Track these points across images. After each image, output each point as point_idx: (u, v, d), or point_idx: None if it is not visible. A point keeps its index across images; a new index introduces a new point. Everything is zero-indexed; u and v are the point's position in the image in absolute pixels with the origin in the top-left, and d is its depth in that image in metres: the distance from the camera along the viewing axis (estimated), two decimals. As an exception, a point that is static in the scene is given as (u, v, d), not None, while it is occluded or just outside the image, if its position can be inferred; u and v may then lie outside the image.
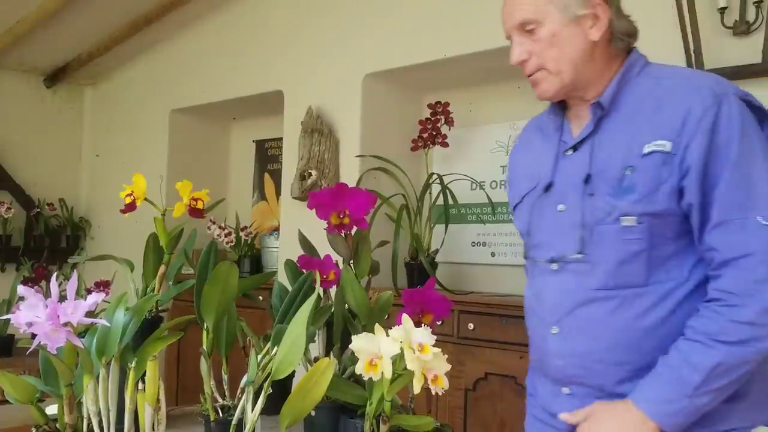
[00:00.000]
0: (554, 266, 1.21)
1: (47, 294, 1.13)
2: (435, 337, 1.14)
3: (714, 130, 1.07)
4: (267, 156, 4.12)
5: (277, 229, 3.70)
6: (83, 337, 1.21)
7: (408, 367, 1.08)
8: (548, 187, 1.24)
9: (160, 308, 1.48)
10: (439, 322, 1.36)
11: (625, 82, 1.19)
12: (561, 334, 1.19)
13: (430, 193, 2.94)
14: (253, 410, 1.13)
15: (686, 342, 1.06)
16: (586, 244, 1.15)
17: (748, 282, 1.02)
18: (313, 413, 1.27)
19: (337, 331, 1.39)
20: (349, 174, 3.05)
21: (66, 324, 1.09)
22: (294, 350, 1.10)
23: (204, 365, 1.27)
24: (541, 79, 1.21)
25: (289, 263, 1.51)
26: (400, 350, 1.08)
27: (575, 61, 1.18)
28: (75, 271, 1.32)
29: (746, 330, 1.02)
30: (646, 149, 1.10)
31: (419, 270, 2.80)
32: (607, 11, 1.18)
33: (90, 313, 1.13)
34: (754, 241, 1.02)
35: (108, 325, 1.21)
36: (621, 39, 1.21)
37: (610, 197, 1.12)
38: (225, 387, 1.33)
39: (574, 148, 1.22)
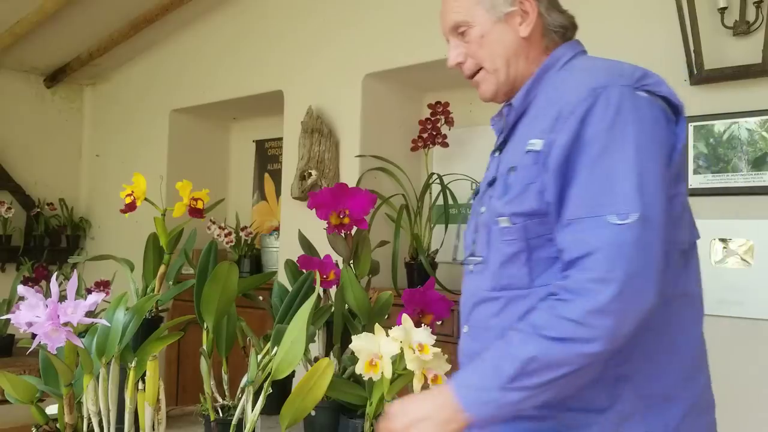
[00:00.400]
0: (470, 267, 1.19)
1: (47, 294, 1.13)
2: (435, 337, 1.15)
3: (580, 127, 0.99)
4: (267, 156, 4.12)
5: (277, 229, 3.70)
6: (83, 337, 1.21)
7: (408, 367, 1.08)
8: (477, 191, 1.25)
9: (160, 308, 1.48)
10: (439, 322, 1.36)
11: (540, 80, 1.15)
12: (468, 333, 1.17)
13: (430, 193, 2.94)
14: (253, 410, 1.14)
15: (513, 331, 0.99)
16: (482, 246, 1.13)
17: (583, 281, 0.94)
18: (313, 413, 1.27)
19: (337, 331, 1.39)
20: (349, 174, 3.05)
21: (66, 324, 1.09)
22: (294, 350, 1.10)
23: (204, 365, 1.27)
24: (480, 80, 1.20)
25: (289, 263, 1.51)
26: (400, 350, 1.09)
27: (508, 58, 1.17)
28: (75, 271, 1.32)
29: (569, 327, 0.93)
30: (526, 149, 1.07)
31: (419, 270, 2.80)
32: (535, 6, 1.15)
33: (90, 313, 1.13)
34: (597, 240, 0.94)
35: (108, 325, 1.21)
36: (554, 32, 1.18)
37: (495, 198, 1.10)
38: (225, 387, 1.33)
39: (500, 149, 1.20)
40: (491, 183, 1.15)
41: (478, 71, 1.20)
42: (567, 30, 1.19)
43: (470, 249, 1.19)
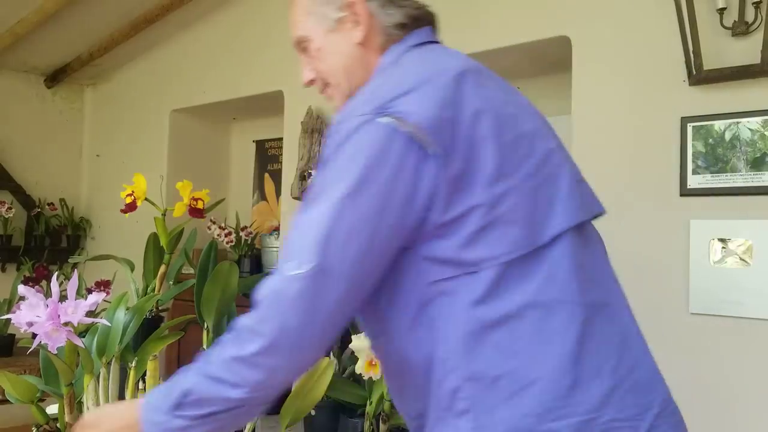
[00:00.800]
0: None
1: (48, 294, 1.13)
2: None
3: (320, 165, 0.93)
4: (267, 156, 4.13)
5: (277, 229, 3.71)
6: (84, 337, 1.22)
7: (407, 367, 1.08)
8: None
9: (160, 308, 1.48)
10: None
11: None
12: None
13: (430, 193, 2.94)
14: (252, 409, 1.14)
15: (198, 359, 0.95)
16: None
17: (242, 325, 0.89)
18: (313, 413, 1.27)
19: (336, 331, 1.39)
20: (349, 174, 3.04)
21: (66, 324, 1.09)
22: (294, 350, 1.10)
23: (204, 365, 1.27)
24: (329, 96, 1.14)
25: (289, 263, 1.51)
26: (399, 350, 1.08)
27: (347, 68, 1.08)
28: (75, 270, 1.32)
29: (221, 368, 0.89)
30: None
31: (419, 270, 2.80)
32: (365, 8, 1.05)
33: (90, 313, 1.14)
34: (265, 288, 0.88)
35: (108, 324, 1.21)
36: (388, 33, 1.06)
37: None
38: (225, 386, 1.33)
39: None
40: None
41: (325, 87, 1.13)
42: (406, 26, 1.06)
43: None
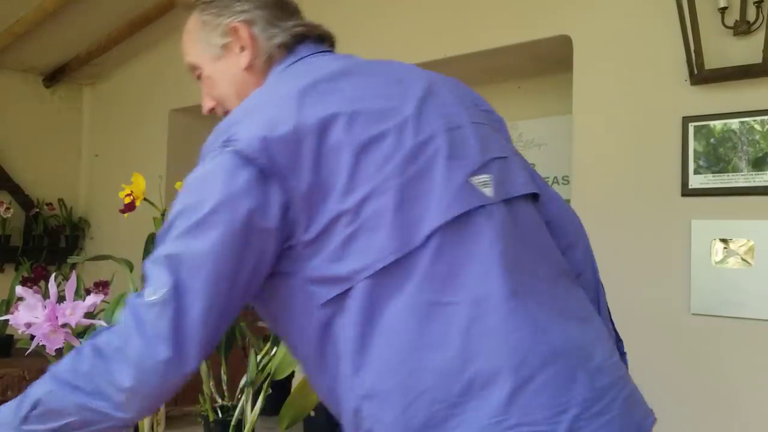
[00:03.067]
0: None
1: (46, 294, 1.12)
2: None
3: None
4: (266, 156, 4.12)
5: (276, 229, 3.70)
6: (82, 338, 1.21)
7: (408, 368, 1.07)
8: None
9: (159, 309, 1.47)
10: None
11: None
12: None
13: (430, 193, 2.93)
14: (252, 411, 1.13)
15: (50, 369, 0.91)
16: None
17: (108, 344, 0.86)
18: (312, 414, 1.27)
19: (336, 332, 1.38)
20: (349, 174, 3.04)
21: (64, 325, 1.08)
22: (294, 351, 1.09)
23: (203, 366, 1.27)
24: (211, 113, 1.12)
25: (288, 263, 1.50)
26: (400, 351, 1.08)
27: (239, 94, 1.05)
28: (74, 271, 1.31)
29: (86, 381, 0.85)
30: None
31: (419, 270, 2.79)
32: (248, 32, 1.04)
33: (89, 314, 1.13)
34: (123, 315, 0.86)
35: (107, 326, 1.21)
36: (271, 55, 1.06)
37: None
38: (224, 387, 1.33)
39: None
40: None
41: (226, 113, 1.07)
42: (287, 46, 1.07)
43: None
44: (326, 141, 0.85)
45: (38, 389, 0.87)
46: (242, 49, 1.05)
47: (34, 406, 0.86)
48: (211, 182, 0.85)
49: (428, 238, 0.84)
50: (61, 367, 0.87)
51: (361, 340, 0.83)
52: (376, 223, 0.83)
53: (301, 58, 1.06)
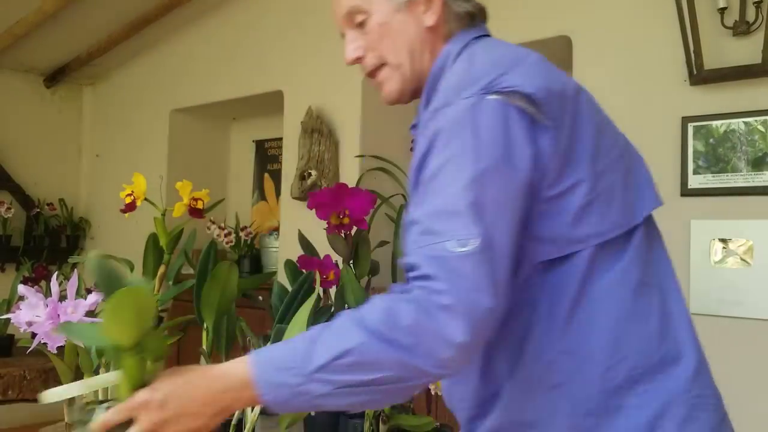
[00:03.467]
0: None
1: (47, 294, 1.13)
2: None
3: (423, 154, 0.90)
4: (267, 156, 4.13)
5: (276, 229, 3.70)
6: (83, 337, 1.21)
7: (408, 367, 1.08)
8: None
9: (160, 308, 1.48)
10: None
11: (436, 83, 0.99)
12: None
13: (430, 193, 2.94)
14: (252, 410, 1.14)
15: (338, 318, 0.87)
16: None
17: (429, 302, 0.81)
18: (312, 413, 1.27)
19: (336, 331, 1.39)
20: (349, 174, 3.05)
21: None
22: (294, 350, 1.09)
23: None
24: (384, 78, 1.05)
25: (288, 263, 1.51)
26: (399, 350, 1.08)
27: (412, 51, 1.03)
28: (75, 270, 1.32)
29: (406, 336, 0.81)
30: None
31: (419, 270, 2.79)
32: None
33: (90, 313, 1.13)
34: (438, 267, 0.82)
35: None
36: (459, 21, 1.04)
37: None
38: (225, 387, 1.32)
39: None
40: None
41: (379, 68, 1.05)
42: (474, 18, 1.06)
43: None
44: (581, 110, 0.91)
45: (344, 339, 0.82)
46: (428, 8, 1.03)
47: (340, 356, 0.81)
48: (486, 128, 0.85)
49: (644, 219, 0.94)
50: (371, 319, 0.82)
51: (575, 300, 0.89)
52: (609, 196, 0.91)
53: (488, 35, 1.07)
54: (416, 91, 1.05)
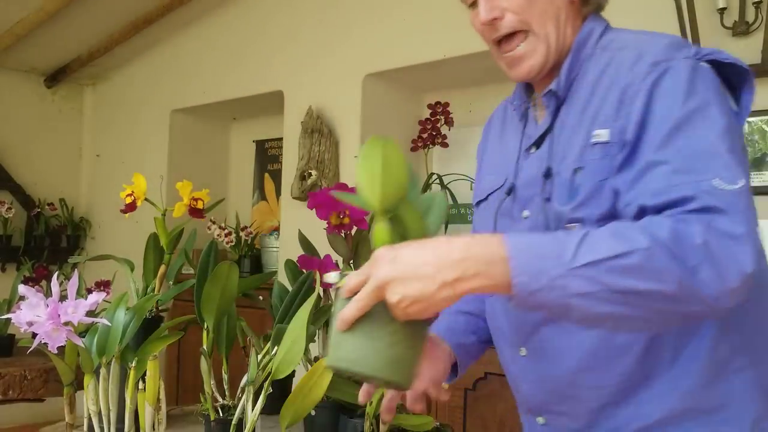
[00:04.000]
0: None
1: (48, 293, 1.13)
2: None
3: (651, 102, 0.88)
4: (267, 156, 4.13)
5: (277, 229, 3.70)
6: (84, 337, 1.22)
7: (408, 367, 1.08)
8: (510, 190, 1.05)
9: (160, 308, 1.48)
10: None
11: (578, 58, 0.99)
12: (529, 356, 1.02)
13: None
14: (253, 410, 1.14)
15: (616, 223, 0.82)
16: None
17: (718, 230, 0.77)
18: (313, 413, 1.27)
19: (337, 331, 1.39)
20: (349, 174, 3.05)
21: (67, 323, 1.09)
22: (294, 350, 1.10)
23: (204, 365, 1.27)
24: (527, 50, 0.99)
25: (289, 263, 1.51)
26: (399, 350, 1.08)
27: (558, 22, 0.98)
28: (75, 270, 1.32)
29: (697, 254, 0.76)
30: (591, 141, 0.92)
31: (419, 270, 2.80)
32: None
33: (90, 313, 1.14)
34: (720, 200, 0.80)
35: (108, 324, 1.21)
36: (596, 4, 1.03)
37: (559, 202, 0.94)
38: (225, 387, 1.33)
39: (537, 144, 1.03)
40: (544, 183, 0.98)
41: (515, 35, 0.99)
42: (601, 8, 1.05)
43: None
44: None
45: (626, 240, 0.76)
46: None
47: (619, 255, 0.75)
48: (715, 89, 0.89)
49: None
50: (658, 231, 0.76)
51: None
52: None
53: (609, 24, 1.06)
54: (553, 68, 1.01)
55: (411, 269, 0.76)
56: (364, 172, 0.81)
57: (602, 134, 0.91)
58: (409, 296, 0.76)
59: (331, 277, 0.85)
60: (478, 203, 1.17)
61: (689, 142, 0.84)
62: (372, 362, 0.78)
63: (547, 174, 0.98)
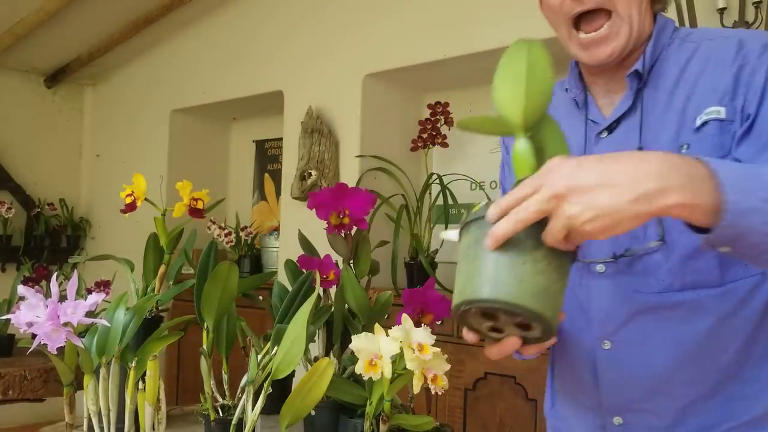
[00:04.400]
0: (600, 268, 0.99)
1: (48, 294, 1.13)
2: (434, 336, 1.14)
3: None
4: (267, 156, 4.13)
5: (277, 229, 3.70)
6: (83, 337, 1.22)
7: (407, 367, 1.08)
8: None
9: (160, 308, 1.48)
10: (438, 322, 1.36)
11: (659, 48, 1.00)
12: (615, 349, 0.98)
13: (430, 193, 2.94)
14: (253, 410, 1.14)
15: None
16: (639, 239, 0.94)
17: None
18: (313, 413, 1.27)
19: (336, 331, 1.39)
20: (349, 174, 3.05)
21: (66, 324, 1.09)
22: (294, 350, 1.10)
23: (204, 365, 1.27)
24: (610, 32, 0.96)
25: (289, 263, 1.51)
26: (399, 350, 1.08)
27: (640, 9, 0.98)
28: (75, 271, 1.32)
29: None
30: (698, 121, 0.92)
31: (419, 270, 2.80)
32: None
33: (90, 313, 1.14)
34: None
35: (108, 325, 1.21)
36: (660, 4, 1.04)
37: None
38: (225, 387, 1.33)
39: (609, 129, 1.02)
40: None
41: (598, 12, 0.97)
42: (666, 7, 1.06)
43: (601, 245, 0.97)
44: None
45: None
46: None
47: None
48: None
49: None
50: None
51: None
52: None
53: None
54: (630, 53, 1.00)
55: (600, 177, 0.66)
56: (506, 81, 0.73)
57: (719, 111, 0.91)
58: (595, 207, 0.65)
59: (450, 234, 0.77)
60: None
61: None
62: (517, 290, 0.69)
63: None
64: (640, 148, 0.96)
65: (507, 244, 0.70)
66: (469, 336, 0.79)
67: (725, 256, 0.85)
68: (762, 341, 0.93)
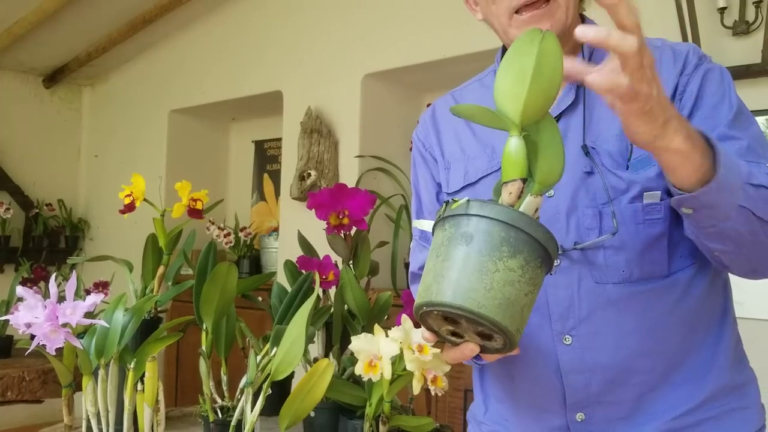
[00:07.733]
0: (555, 263, 0.97)
1: (46, 295, 1.13)
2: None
3: (705, 81, 0.97)
4: (266, 156, 4.12)
5: (276, 230, 3.70)
6: (82, 338, 1.21)
7: (407, 368, 1.08)
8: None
9: (159, 309, 1.48)
10: (438, 323, 1.36)
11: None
12: (577, 343, 0.98)
13: (430, 193, 2.94)
14: (252, 411, 1.13)
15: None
16: (594, 232, 0.96)
17: None
18: (312, 414, 1.27)
19: (336, 332, 1.39)
20: (349, 174, 3.05)
21: (65, 325, 1.09)
22: (293, 351, 1.09)
23: (203, 366, 1.27)
24: (549, 8, 0.97)
25: (288, 264, 1.51)
26: (399, 351, 1.08)
27: (575, 4, 1.00)
28: (74, 271, 1.31)
29: None
30: None
31: (419, 270, 2.80)
32: None
33: (89, 314, 1.13)
34: None
35: (107, 326, 1.21)
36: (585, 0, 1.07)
37: (626, 171, 0.94)
38: (224, 388, 1.33)
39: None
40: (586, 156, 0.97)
41: (536, 3, 0.98)
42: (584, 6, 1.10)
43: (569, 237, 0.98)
44: None
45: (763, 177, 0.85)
46: None
47: (762, 185, 0.83)
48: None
49: None
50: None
51: None
52: None
53: None
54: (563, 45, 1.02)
55: (659, 95, 0.74)
56: (509, 73, 0.72)
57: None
58: (647, 99, 0.73)
59: (424, 224, 0.77)
60: (461, 189, 1.11)
61: (753, 129, 0.94)
62: (483, 300, 0.67)
63: (585, 150, 0.96)
64: (584, 146, 0.97)
65: (481, 248, 0.68)
66: (425, 335, 0.79)
67: (672, 246, 0.94)
68: (701, 328, 0.99)
